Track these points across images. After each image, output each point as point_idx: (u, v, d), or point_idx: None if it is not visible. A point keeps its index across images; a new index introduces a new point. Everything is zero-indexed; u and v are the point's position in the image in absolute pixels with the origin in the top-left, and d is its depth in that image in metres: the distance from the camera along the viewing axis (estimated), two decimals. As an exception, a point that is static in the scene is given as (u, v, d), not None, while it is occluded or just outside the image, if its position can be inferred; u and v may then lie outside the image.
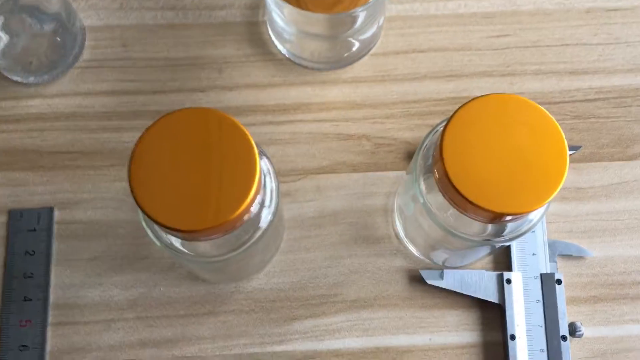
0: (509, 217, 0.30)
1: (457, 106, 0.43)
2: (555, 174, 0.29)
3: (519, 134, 0.29)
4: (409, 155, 0.43)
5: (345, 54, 0.44)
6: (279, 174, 0.35)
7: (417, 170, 0.33)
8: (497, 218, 0.30)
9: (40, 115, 0.44)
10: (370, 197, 0.42)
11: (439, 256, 0.39)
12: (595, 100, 0.44)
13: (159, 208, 0.28)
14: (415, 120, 0.43)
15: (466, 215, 0.31)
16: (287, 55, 0.45)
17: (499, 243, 0.33)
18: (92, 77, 0.44)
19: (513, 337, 0.38)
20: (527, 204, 0.28)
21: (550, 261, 0.40)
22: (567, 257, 0.40)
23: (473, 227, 0.33)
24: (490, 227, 0.33)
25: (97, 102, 0.44)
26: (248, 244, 0.33)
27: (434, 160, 0.31)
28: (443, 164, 0.29)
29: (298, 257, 0.41)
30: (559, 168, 0.29)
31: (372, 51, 0.45)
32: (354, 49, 0.43)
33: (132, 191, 0.28)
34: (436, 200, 0.33)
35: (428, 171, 0.33)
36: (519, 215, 0.29)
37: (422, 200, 0.33)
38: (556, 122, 0.29)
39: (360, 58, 0.44)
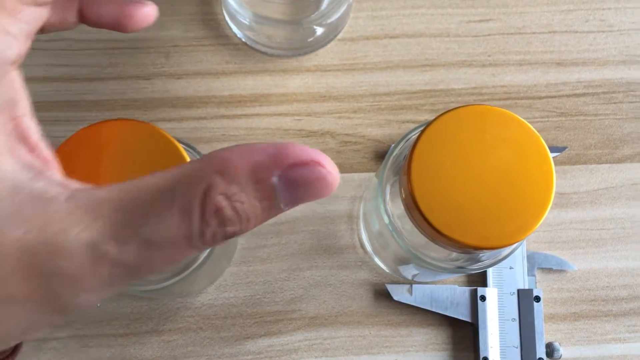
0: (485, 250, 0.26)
1: (432, 99, 0.40)
2: (539, 202, 0.25)
3: (500, 152, 0.25)
4: (378, 155, 0.38)
5: (309, 39, 0.39)
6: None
7: (383, 181, 0.29)
8: (471, 249, 0.26)
9: (-40, 104, 0.38)
10: (334, 201, 0.38)
11: (408, 271, 0.36)
12: (583, 95, 0.40)
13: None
14: (386, 115, 0.39)
15: (434, 242, 0.27)
16: (243, 40, 0.40)
17: (474, 271, 0.29)
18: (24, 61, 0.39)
19: (486, 359, 0.35)
20: (506, 236, 0.25)
21: (528, 275, 0.36)
22: (547, 270, 0.37)
23: (445, 252, 0.30)
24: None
25: (29, 89, 0.39)
26: (194, 265, 0.29)
27: (401, 174, 0.27)
28: (410, 186, 0.25)
29: (252, 269, 0.37)
30: (544, 194, 0.25)
31: (339, 36, 0.40)
32: (319, 33, 0.39)
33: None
34: (404, 217, 0.29)
35: (396, 183, 0.29)
36: (495, 249, 0.25)
37: (387, 221, 0.29)
38: (542, 140, 0.25)
39: (326, 44, 0.40)
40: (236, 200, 0.17)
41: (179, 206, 0.17)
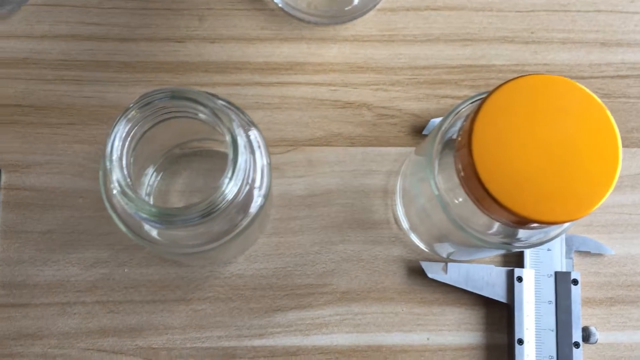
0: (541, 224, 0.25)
1: (472, 75, 0.38)
2: (604, 176, 0.24)
3: (564, 124, 0.24)
4: (415, 130, 0.37)
5: (347, 7, 0.38)
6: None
7: (432, 156, 0.28)
8: (526, 223, 0.25)
9: (-14, 60, 0.37)
10: (369, 175, 0.37)
11: (444, 249, 0.35)
12: (627, 77, 0.39)
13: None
14: (425, 90, 0.38)
15: (489, 216, 0.26)
16: (280, 5, 0.38)
17: (521, 248, 0.28)
18: (49, 17, 0.38)
19: (521, 342, 0.34)
20: (569, 211, 0.24)
21: (566, 258, 0.35)
22: (584, 253, 0.36)
23: (491, 226, 0.29)
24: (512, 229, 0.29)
25: (54, 47, 0.38)
26: (233, 233, 0.28)
27: (457, 146, 0.26)
28: (471, 155, 0.24)
29: (284, 240, 0.36)
30: (609, 168, 0.24)
31: (378, 5, 0.39)
32: (357, 1, 0.37)
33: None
34: (452, 190, 0.29)
35: (444, 156, 0.29)
36: (553, 225, 0.25)
37: (437, 193, 0.28)
38: (608, 113, 0.24)
39: (364, 13, 0.38)
40: None
41: None
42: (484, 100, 0.25)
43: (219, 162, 0.36)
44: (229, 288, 0.35)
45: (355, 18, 0.38)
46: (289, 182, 0.37)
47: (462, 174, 0.25)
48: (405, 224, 0.36)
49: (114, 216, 0.27)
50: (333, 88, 0.38)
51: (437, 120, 0.37)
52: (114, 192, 0.25)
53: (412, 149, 0.37)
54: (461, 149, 0.25)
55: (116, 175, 0.24)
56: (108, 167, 0.24)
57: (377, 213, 0.37)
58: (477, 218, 0.28)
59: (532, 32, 0.39)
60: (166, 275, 0.35)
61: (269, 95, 0.38)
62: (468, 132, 0.25)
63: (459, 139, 0.26)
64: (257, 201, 0.28)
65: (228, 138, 0.25)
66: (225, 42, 0.38)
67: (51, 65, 0.37)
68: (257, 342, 0.35)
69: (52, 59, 0.37)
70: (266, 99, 0.37)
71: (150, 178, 0.35)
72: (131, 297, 0.35)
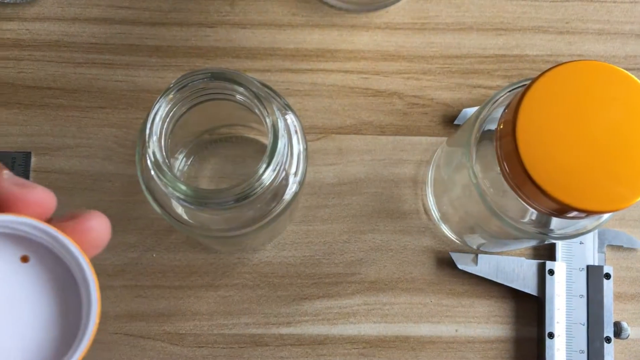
0: (583, 213, 0.24)
1: (505, 65, 0.38)
2: (651, 166, 0.23)
3: (610, 112, 0.24)
4: (446, 119, 0.37)
5: (381, -6, 0.37)
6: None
7: (470, 145, 0.28)
8: (567, 211, 0.24)
9: (17, 42, 0.37)
10: (399, 164, 0.37)
11: (475, 240, 0.34)
12: (663, 69, 0.38)
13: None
14: (457, 79, 0.37)
15: (528, 205, 0.26)
16: (312, -9, 0.38)
17: (557, 239, 0.28)
18: (81, 0, 0.38)
19: (552, 335, 0.34)
20: (613, 201, 0.23)
21: (598, 251, 0.35)
22: (617, 247, 0.36)
23: (525, 216, 0.28)
24: (551, 218, 0.28)
25: (85, 30, 0.37)
26: (266, 219, 0.28)
27: (499, 135, 0.25)
28: (515, 143, 0.24)
29: (312, 228, 0.36)
30: (657, 158, 0.23)
31: (411, -7, 0.38)
32: (391, -11, 0.37)
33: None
34: (488, 179, 0.28)
35: (482, 145, 0.28)
36: (595, 214, 0.24)
37: (474, 181, 0.28)
38: (657, 101, 0.24)
39: (397, 1, 0.38)
40: None
41: None
42: (528, 87, 0.25)
43: (247, 148, 0.35)
44: (257, 275, 0.35)
45: (387, 5, 0.38)
46: (318, 169, 0.36)
47: (504, 162, 0.25)
48: (435, 215, 0.35)
49: (149, 198, 0.27)
50: (364, 76, 0.37)
51: (470, 110, 0.36)
52: (152, 172, 0.25)
53: (443, 138, 0.36)
54: (504, 137, 0.25)
55: (155, 155, 0.24)
56: (148, 146, 0.24)
57: (406, 203, 0.36)
58: (513, 208, 0.28)
59: (566, 23, 0.38)
60: (194, 261, 0.35)
61: (300, 82, 0.37)
62: (512, 120, 0.24)
63: (501, 127, 0.26)
64: (292, 188, 0.28)
65: (268, 121, 0.25)
66: (256, 27, 0.38)
67: (82, 49, 0.37)
68: (284, 330, 0.35)
69: (83, 42, 0.37)
70: (296, 85, 0.37)
71: (180, 163, 0.35)
72: (159, 282, 0.35)
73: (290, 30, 0.38)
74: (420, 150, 0.37)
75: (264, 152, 0.36)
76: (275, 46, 0.38)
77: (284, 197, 0.28)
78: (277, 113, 0.25)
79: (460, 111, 0.37)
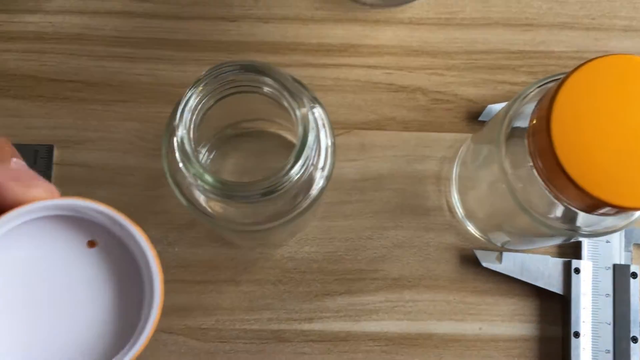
0: (615, 210, 0.24)
1: (531, 61, 0.38)
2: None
3: (648, 107, 0.23)
4: (471, 116, 0.37)
5: (404, -11, 0.37)
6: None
7: (500, 141, 0.27)
8: (600, 207, 0.24)
9: (39, 35, 0.37)
10: (422, 161, 0.36)
11: (500, 237, 0.34)
12: (691, 67, 0.37)
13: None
14: (482, 75, 0.37)
15: (560, 201, 0.25)
16: (335, -15, 0.38)
17: (588, 236, 0.28)
18: (103, -7, 0.37)
19: (577, 335, 0.33)
20: (651, 197, 0.23)
21: (625, 250, 0.35)
22: (643, 247, 0.35)
23: (554, 212, 0.28)
24: (577, 216, 0.28)
25: (107, 23, 0.37)
26: (293, 213, 0.28)
27: (532, 131, 0.25)
28: (550, 138, 0.23)
29: (335, 224, 0.35)
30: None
31: (436, -12, 0.38)
32: (416, -17, 0.37)
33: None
34: (517, 176, 0.28)
35: (511, 141, 0.28)
36: (633, 210, 0.24)
37: (505, 178, 0.27)
38: (696, 96, 0.23)
39: (421, -5, 0.38)
40: None
41: None
42: (562, 82, 0.24)
43: (269, 143, 0.35)
44: (279, 271, 0.35)
45: (411, 0, 0.38)
46: (340, 165, 0.36)
47: (537, 157, 0.25)
48: (460, 212, 0.35)
49: (175, 190, 0.27)
50: (387, 71, 0.37)
51: (495, 106, 0.36)
52: (180, 164, 0.24)
53: (468, 135, 0.36)
54: (537, 133, 0.24)
55: (184, 146, 0.24)
56: (177, 136, 0.24)
57: (430, 199, 0.36)
58: (540, 204, 0.28)
59: (593, 19, 0.38)
60: (216, 255, 0.35)
61: (322, 77, 0.37)
62: (546, 116, 0.24)
63: (534, 122, 0.25)
64: (319, 183, 0.28)
65: (298, 113, 0.25)
66: (279, 22, 0.37)
67: (104, 42, 0.37)
68: (306, 326, 0.34)
69: (105, 36, 0.37)
70: (319, 80, 0.37)
71: (203, 157, 0.35)
72: (181, 276, 0.35)
73: (313, 25, 0.38)
74: (444, 146, 0.36)
75: (286, 146, 0.36)
76: (298, 41, 0.37)
77: (310, 193, 0.28)
78: (308, 106, 0.25)
79: (484, 107, 0.36)
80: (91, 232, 0.18)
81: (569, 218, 0.28)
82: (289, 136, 0.35)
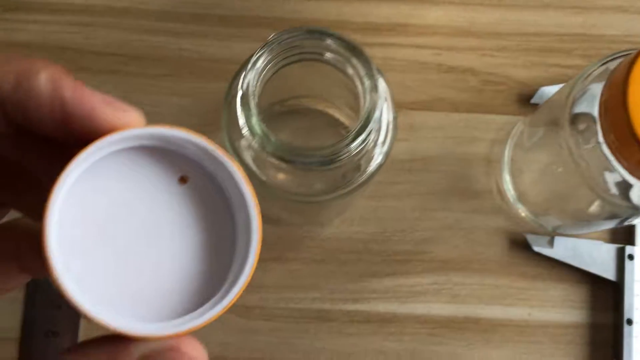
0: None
1: (584, 45, 0.37)
2: None
3: None
4: (522, 98, 0.36)
5: (456, -32, 0.36)
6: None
7: (565, 121, 0.27)
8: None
9: (85, 8, 0.37)
10: (472, 143, 0.36)
11: (552, 221, 0.33)
12: None
13: None
14: (533, 57, 0.36)
15: (634, 175, 0.25)
16: (385, -37, 0.37)
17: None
18: (150, -33, 0.37)
19: (630, 322, 0.33)
20: None
21: (679, 238, 0.34)
22: (697, 235, 0.35)
23: (616, 191, 0.27)
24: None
25: (154, -2, 0.37)
26: (348, 188, 0.27)
27: (605, 108, 0.24)
28: (627, 111, 0.23)
29: (382, 204, 0.35)
30: None
31: (487, -32, 0.37)
32: (468, -38, 0.36)
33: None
34: (580, 156, 0.27)
35: (575, 121, 0.27)
36: None
37: (573, 159, 0.27)
38: None
39: (472, -25, 0.37)
40: None
41: None
42: (636, 56, 0.24)
43: (317, 121, 0.35)
44: (324, 250, 0.34)
45: (462, -20, 0.37)
46: (388, 145, 0.35)
47: (611, 134, 0.24)
48: (511, 195, 0.34)
49: (235, 159, 0.26)
50: (437, 52, 0.36)
51: (548, 88, 0.35)
52: (244, 130, 0.24)
53: (519, 118, 0.35)
54: (611, 109, 0.24)
55: (249, 107, 0.24)
56: (242, 99, 0.24)
57: (479, 182, 0.35)
58: (601, 183, 0.27)
59: (647, 2, 0.37)
60: (263, 233, 0.34)
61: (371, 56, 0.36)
62: (622, 92, 0.23)
63: (605, 99, 0.25)
64: (377, 159, 0.27)
65: (366, 81, 0.24)
66: (325, -1, 0.37)
67: (151, 17, 0.37)
68: (351, 307, 0.34)
69: (152, 10, 0.37)
70: (367, 59, 0.36)
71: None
72: (226, 253, 0.34)
73: (357, 2, 0.37)
74: (494, 129, 0.36)
75: (334, 125, 0.35)
76: (343, 19, 0.37)
77: (367, 168, 0.27)
78: (376, 73, 0.24)
79: (536, 90, 0.36)
80: (182, 166, 0.17)
81: (628, 198, 0.28)
82: (337, 114, 0.34)
